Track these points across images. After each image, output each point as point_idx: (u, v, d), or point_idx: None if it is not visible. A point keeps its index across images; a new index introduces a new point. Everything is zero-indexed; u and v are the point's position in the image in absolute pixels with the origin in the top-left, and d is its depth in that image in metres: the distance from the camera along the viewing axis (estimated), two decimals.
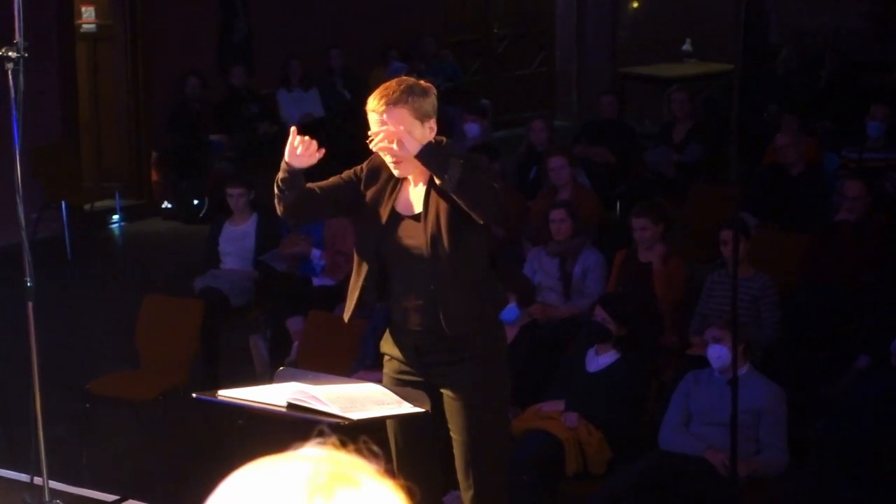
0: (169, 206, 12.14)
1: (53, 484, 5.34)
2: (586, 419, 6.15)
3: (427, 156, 4.27)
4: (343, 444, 1.41)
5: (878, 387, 6.47)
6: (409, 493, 1.39)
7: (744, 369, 5.95)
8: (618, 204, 10.12)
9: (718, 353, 6.07)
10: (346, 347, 6.95)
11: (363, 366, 6.67)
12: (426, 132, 4.38)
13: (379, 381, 4.66)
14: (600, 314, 6.46)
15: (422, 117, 4.36)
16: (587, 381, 6.35)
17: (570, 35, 16.04)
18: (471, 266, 4.43)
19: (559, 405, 6.30)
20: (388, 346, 4.65)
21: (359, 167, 4.58)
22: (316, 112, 12.72)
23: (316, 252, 8.34)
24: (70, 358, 8.06)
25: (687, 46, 14.69)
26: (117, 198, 11.69)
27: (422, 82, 4.47)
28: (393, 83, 4.41)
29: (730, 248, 6.42)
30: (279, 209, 4.54)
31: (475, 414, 4.51)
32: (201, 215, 11.61)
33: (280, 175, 4.42)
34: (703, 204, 9.24)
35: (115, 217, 11.84)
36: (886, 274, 7.52)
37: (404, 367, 4.58)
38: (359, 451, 1.40)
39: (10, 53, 4.88)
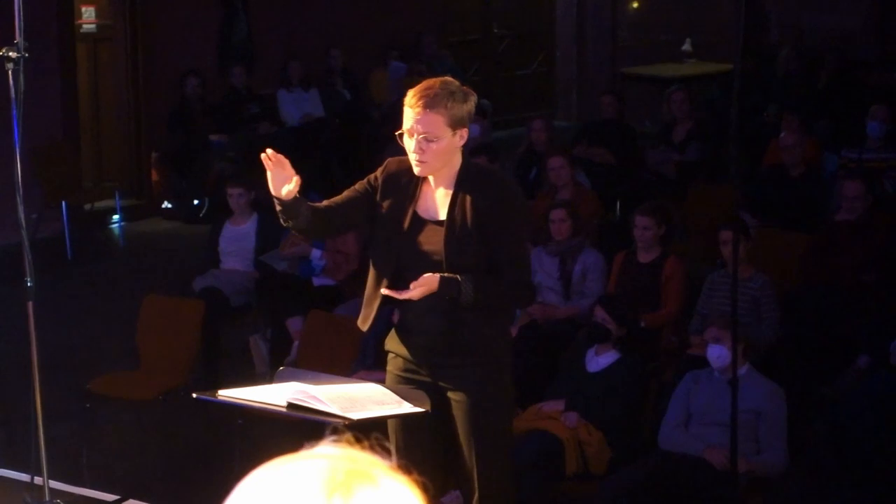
0: (169, 206, 12.14)
1: (53, 484, 5.34)
2: (586, 419, 6.15)
3: (445, 289, 4.29)
4: (357, 442, 1.40)
5: (878, 387, 6.47)
6: (424, 489, 1.39)
7: (743, 369, 5.95)
8: (618, 204, 10.12)
9: (718, 353, 6.06)
10: (346, 347, 6.95)
11: (363, 366, 6.67)
12: (456, 141, 4.30)
13: (380, 381, 4.64)
14: (600, 314, 6.46)
15: (455, 125, 4.26)
16: (587, 381, 6.35)
17: (570, 35, 16.03)
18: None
19: (559, 405, 6.29)
20: (394, 344, 4.61)
21: (373, 176, 4.50)
22: (316, 112, 12.70)
23: (316, 252, 8.33)
24: (70, 358, 8.06)
25: (687, 46, 14.68)
26: (117, 198, 11.69)
27: (465, 87, 4.35)
28: (437, 83, 4.28)
29: (730, 248, 6.42)
30: (293, 231, 4.55)
31: (483, 417, 4.48)
32: (201, 215, 11.61)
33: (277, 207, 4.36)
34: (703, 204, 9.23)
35: (115, 217, 11.83)
36: (886, 274, 7.52)
37: (411, 366, 4.55)
38: (371, 448, 1.40)
39: (10, 53, 4.88)
